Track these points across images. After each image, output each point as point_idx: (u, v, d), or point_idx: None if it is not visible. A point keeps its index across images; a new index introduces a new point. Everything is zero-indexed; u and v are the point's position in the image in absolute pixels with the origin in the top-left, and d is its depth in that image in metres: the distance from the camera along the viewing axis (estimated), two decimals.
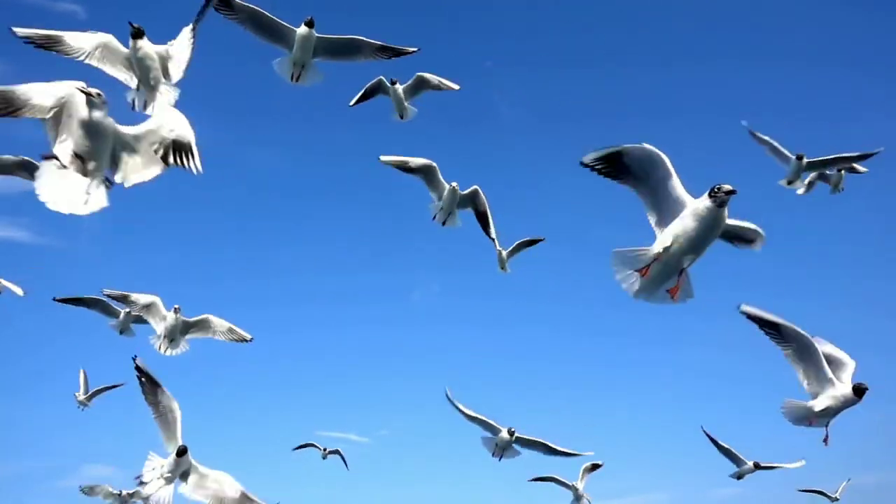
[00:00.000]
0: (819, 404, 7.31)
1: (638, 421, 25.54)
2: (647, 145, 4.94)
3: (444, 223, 12.32)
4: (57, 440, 21.62)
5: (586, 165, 4.98)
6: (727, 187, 4.57)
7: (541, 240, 13.71)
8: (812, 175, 13.52)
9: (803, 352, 7.14)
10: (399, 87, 10.68)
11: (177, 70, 6.91)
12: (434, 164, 11.52)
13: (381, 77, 10.73)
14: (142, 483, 7.89)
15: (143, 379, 8.01)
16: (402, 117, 11.06)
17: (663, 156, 4.92)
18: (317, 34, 7.89)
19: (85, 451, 23.03)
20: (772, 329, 7.08)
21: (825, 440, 7.55)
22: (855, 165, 13.56)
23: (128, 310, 11.30)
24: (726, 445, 12.86)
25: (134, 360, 8.03)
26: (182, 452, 7.88)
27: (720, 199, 4.58)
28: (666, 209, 4.96)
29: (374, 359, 27.25)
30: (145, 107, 6.90)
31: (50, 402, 22.84)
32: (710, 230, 4.71)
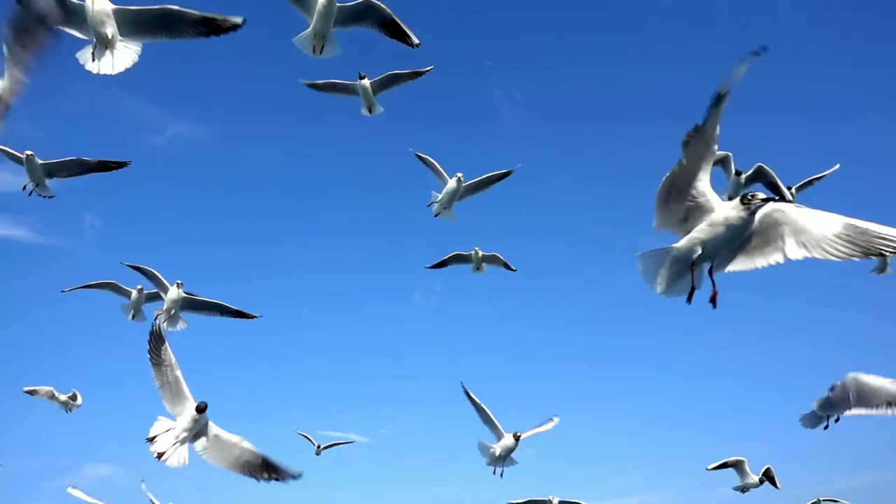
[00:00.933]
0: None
1: (638, 421, 25.67)
2: None
3: (437, 214, 12.26)
4: (58, 439, 21.59)
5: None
6: (761, 195, 4.55)
7: (514, 270, 13.94)
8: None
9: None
10: (367, 82, 10.65)
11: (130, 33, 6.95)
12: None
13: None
14: (160, 455, 7.52)
15: (151, 340, 7.74)
16: (370, 111, 11.03)
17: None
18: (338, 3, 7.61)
19: (86, 450, 23.17)
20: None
21: (825, 426, 8.29)
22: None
23: (140, 287, 11.32)
24: None
25: (154, 323, 7.87)
26: (203, 409, 7.53)
27: (755, 207, 4.54)
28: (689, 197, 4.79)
29: (376, 358, 27.27)
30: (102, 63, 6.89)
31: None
32: (738, 237, 4.69)
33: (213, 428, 7.76)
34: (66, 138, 25.39)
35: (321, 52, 7.70)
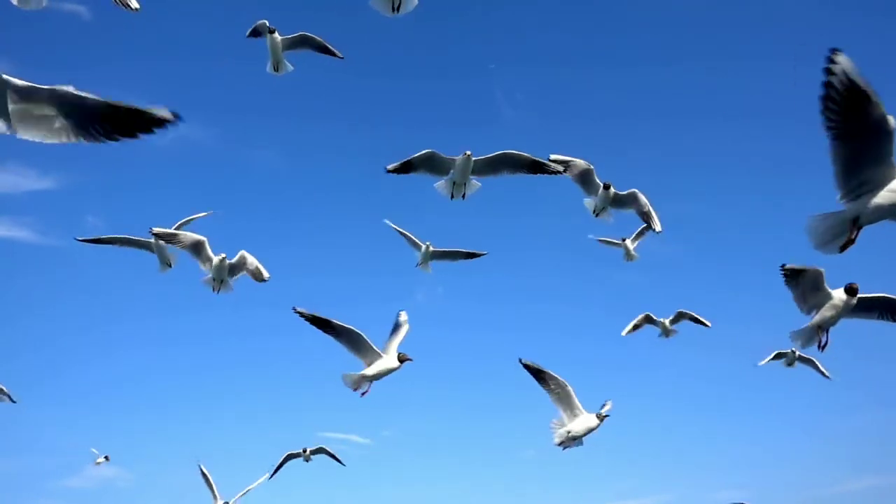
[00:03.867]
0: (820, 316, 7.57)
1: (639, 423, 26.00)
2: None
3: (463, 196, 11.93)
4: (59, 439, 20.95)
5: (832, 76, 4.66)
6: None
7: (483, 254, 13.11)
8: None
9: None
10: (277, 37, 10.59)
11: None
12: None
13: (264, 21, 10.73)
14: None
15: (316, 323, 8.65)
16: (276, 70, 11.02)
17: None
18: None
19: (87, 450, 21.52)
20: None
21: (822, 347, 7.75)
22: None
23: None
24: None
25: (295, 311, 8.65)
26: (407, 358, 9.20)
27: None
28: (868, 171, 5.08)
29: None
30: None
31: (55, 399, 23.01)
32: None
33: None
34: None
35: (398, 11, 7.53)
